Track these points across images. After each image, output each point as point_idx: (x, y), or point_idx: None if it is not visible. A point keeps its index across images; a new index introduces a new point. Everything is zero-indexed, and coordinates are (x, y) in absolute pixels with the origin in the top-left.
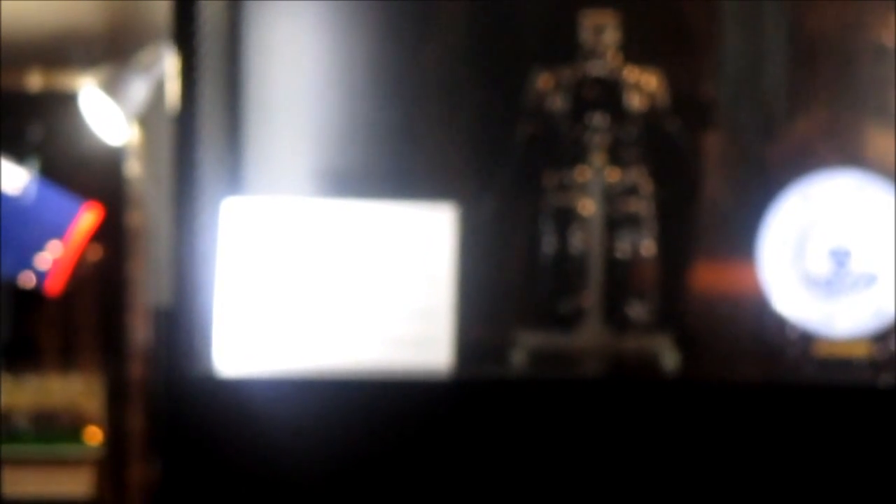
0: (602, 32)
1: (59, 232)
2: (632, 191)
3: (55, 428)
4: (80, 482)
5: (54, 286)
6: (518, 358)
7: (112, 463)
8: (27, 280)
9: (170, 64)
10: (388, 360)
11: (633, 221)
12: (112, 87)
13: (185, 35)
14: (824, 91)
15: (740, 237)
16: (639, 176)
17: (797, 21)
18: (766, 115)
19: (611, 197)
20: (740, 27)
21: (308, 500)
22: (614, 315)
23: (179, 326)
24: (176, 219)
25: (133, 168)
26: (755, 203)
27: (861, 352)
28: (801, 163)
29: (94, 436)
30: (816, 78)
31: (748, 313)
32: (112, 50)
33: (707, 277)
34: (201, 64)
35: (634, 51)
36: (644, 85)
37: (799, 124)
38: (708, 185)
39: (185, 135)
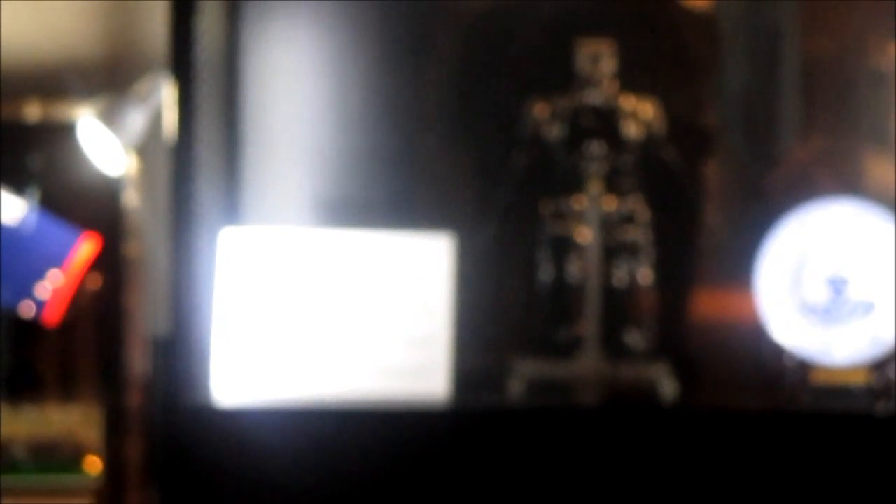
0: (598, 61)
1: (57, 262)
2: (629, 219)
3: (54, 458)
4: None
5: (53, 316)
6: (515, 386)
7: (110, 492)
8: (26, 310)
9: (167, 94)
10: (386, 390)
11: (630, 249)
12: (110, 118)
13: (182, 65)
14: (822, 118)
15: (738, 265)
16: (636, 204)
17: (795, 48)
18: (763, 143)
19: (608, 225)
20: (738, 55)
21: None
22: (612, 343)
23: (177, 356)
24: (174, 249)
25: (131, 198)
26: (753, 231)
27: (859, 380)
28: (799, 190)
29: (93, 465)
30: (815, 105)
31: (746, 341)
32: (110, 80)
33: (704, 305)
34: (198, 94)
35: (631, 79)
36: (640, 113)
37: (797, 152)
38: (705, 212)
39: (182, 165)
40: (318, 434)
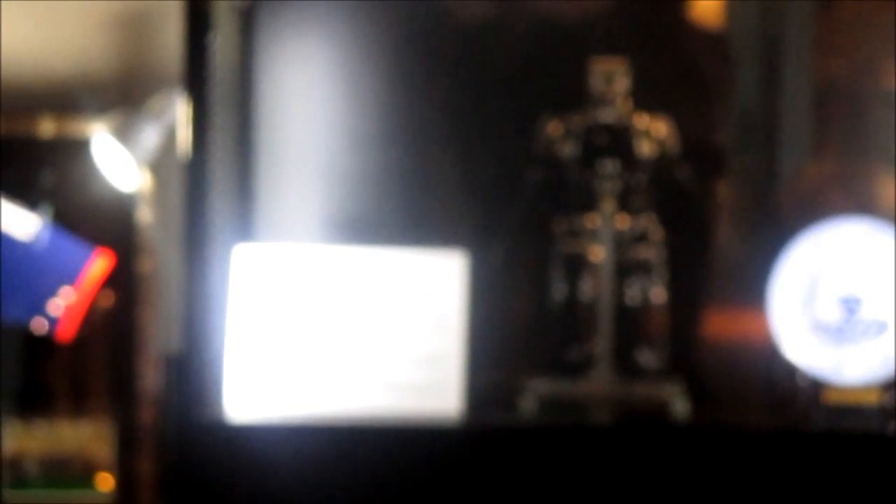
0: (612, 79)
1: (70, 278)
2: (642, 237)
3: (65, 474)
4: None
5: (65, 332)
6: (527, 405)
7: None
8: (38, 326)
9: (181, 110)
10: (398, 407)
11: (643, 268)
12: (123, 134)
13: (196, 82)
14: (835, 138)
15: (750, 284)
16: (649, 222)
17: (807, 67)
18: (776, 162)
19: (621, 243)
20: (750, 74)
21: None
22: (624, 362)
23: (189, 372)
24: (186, 265)
25: (144, 215)
26: (765, 250)
27: (871, 399)
28: (812, 210)
29: (105, 482)
30: (827, 125)
31: (758, 360)
32: (123, 97)
33: (717, 324)
34: (212, 110)
35: (644, 98)
36: (654, 131)
37: (810, 171)
38: (718, 231)
39: (195, 181)
40: (330, 451)
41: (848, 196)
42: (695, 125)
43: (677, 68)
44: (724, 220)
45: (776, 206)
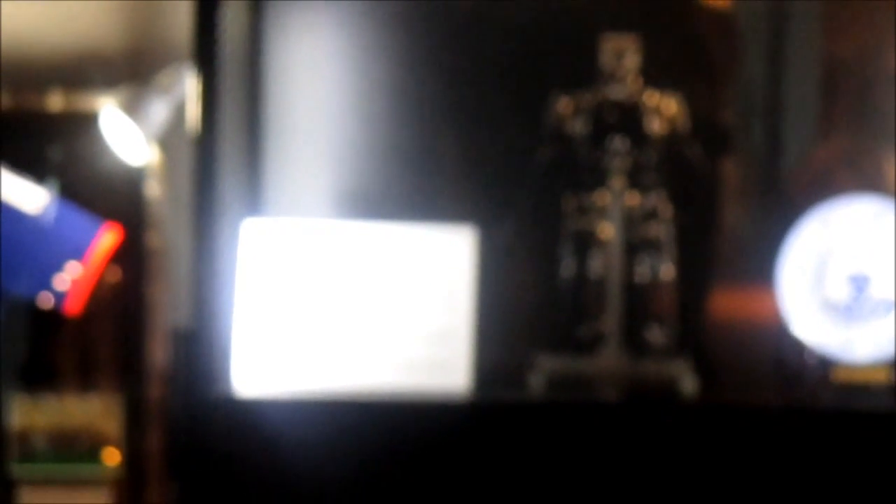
0: (622, 57)
1: (78, 253)
2: (651, 215)
3: (73, 448)
4: (98, 503)
5: (73, 307)
6: (536, 381)
7: (130, 483)
8: (46, 301)
9: (190, 85)
10: (406, 383)
11: (652, 246)
12: (132, 109)
13: (205, 56)
14: (844, 117)
15: (760, 262)
16: (658, 200)
17: (817, 47)
18: (785, 141)
19: (630, 221)
20: (760, 53)
21: None
22: (633, 339)
23: (198, 347)
24: (195, 240)
25: (153, 189)
26: (774, 228)
27: (880, 377)
28: (821, 188)
29: (112, 457)
30: (836, 104)
31: (767, 338)
32: (132, 71)
33: (726, 302)
34: (222, 86)
35: (655, 75)
36: (664, 109)
37: (818, 150)
38: (727, 210)
39: (205, 156)
40: (337, 426)
41: (856, 175)
42: (704, 103)
43: (687, 46)
44: (733, 198)
45: (785, 185)
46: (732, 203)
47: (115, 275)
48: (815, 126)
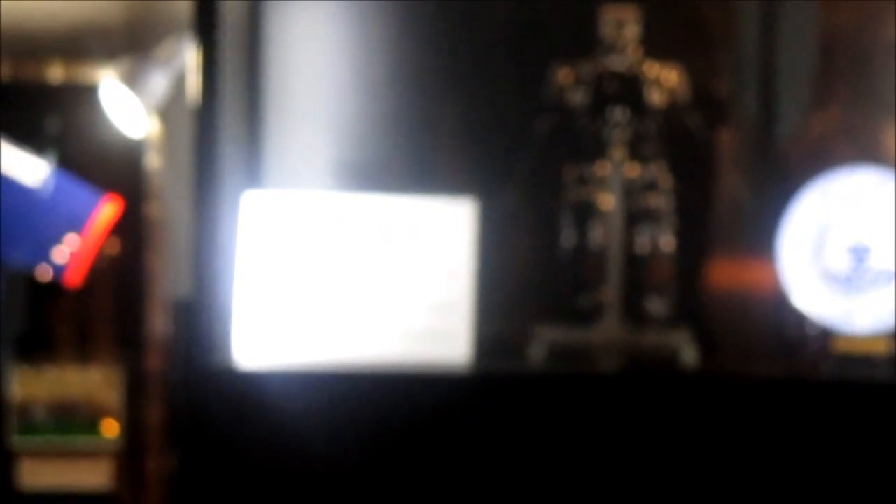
0: (623, 27)
1: (78, 224)
2: (651, 186)
3: (73, 420)
4: (98, 474)
5: (73, 278)
6: (536, 352)
7: (130, 455)
8: (45, 272)
9: (190, 57)
10: (407, 354)
11: (652, 217)
12: (132, 80)
13: (205, 28)
14: (843, 88)
15: (760, 233)
16: (658, 171)
17: (816, 17)
18: (784, 112)
19: (630, 192)
20: (759, 24)
21: (324, 492)
22: (633, 310)
23: (198, 318)
24: (195, 211)
25: (153, 161)
26: (774, 199)
27: (880, 348)
28: (820, 159)
29: (111, 428)
30: (835, 74)
31: (767, 309)
32: (132, 42)
33: (726, 273)
34: (222, 57)
35: (655, 46)
36: (664, 80)
37: (817, 121)
38: (727, 181)
39: (205, 128)
40: (338, 397)
41: (856, 145)
42: (704, 74)
43: (687, 17)
44: (733, 169)
45: (784, 155)
46: (733, 174)
47: (115, 246)
48: (813, 96)
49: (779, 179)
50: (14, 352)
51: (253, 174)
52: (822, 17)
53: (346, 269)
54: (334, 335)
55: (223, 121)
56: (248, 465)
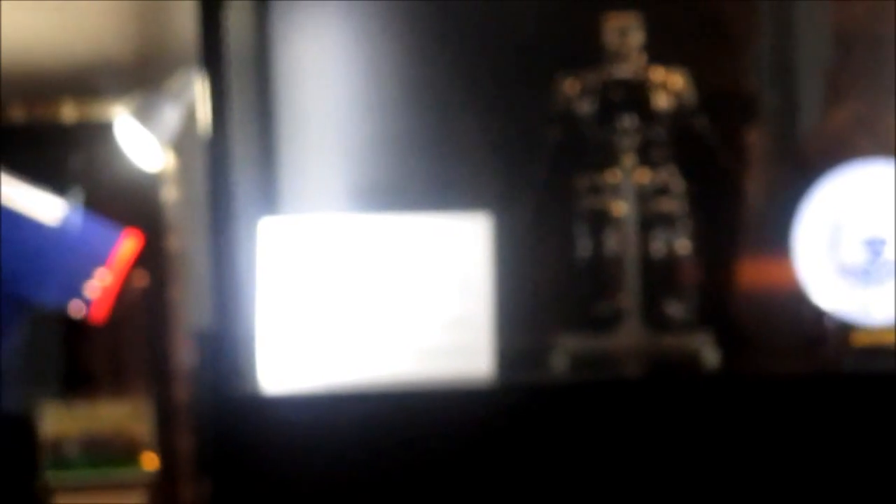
0: (626, 34)
1: (101, 260)
2: (663, 190)
3: (106, 454)
4: None
5: (98, 314)
6: (558, 362)
7: (163, 484)
8: (71, 309)
9: (199, 88)
10: (429, 371)
11: (666, 221)
12: (144, 115)
13: (212, 59)
14: (856, 81)
15: (775, 230)
16: (670, 175)
17: (829, 10)
18: (797, 107)
19: (643, 197)
20: (771, 19)
21: None
22: (653, 315)
23: (221, 347)
24: (212, 241)
25: (169, 193)
26: (789, 196)
27: None
28: (834, 153)
29: (150, 461)
30: (849, 68)
31: (786, 306)
32: (142, 78)
33: (743, 272)
34: (231, 86)
35: (660, 50)
36: (670, 84)
37: (832, 115)
38: (740, 180)
39: (217, 158)
40: (363, 418)
41: (869, 138)
42: (713, 74)
43: (693, 18)
44: (745, 168)
45: (798, 152)
46: (745, 173)
47: (138, 280)
48: (826, 92)
49: (795, 175)
50: (45, 388)
51: (268, 201)
52: (836, 9)
53: (365, 289)
54: (356, 356)
55: (236, 150)
56: (279, 489)
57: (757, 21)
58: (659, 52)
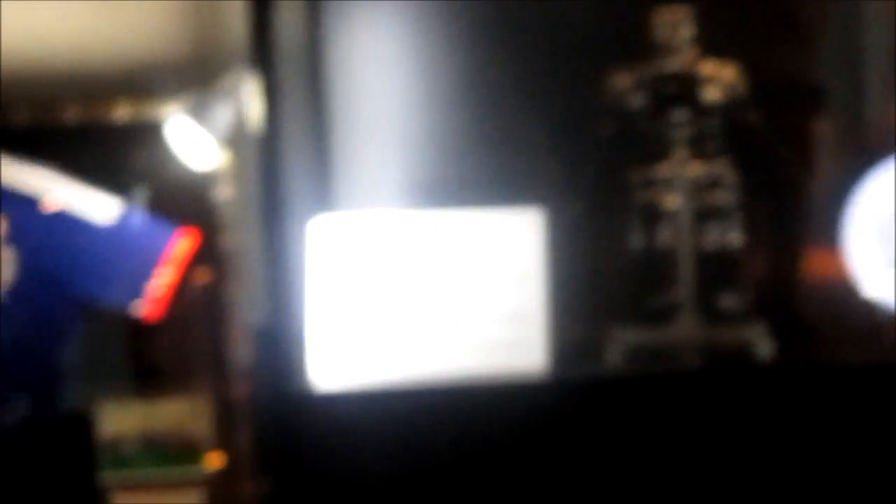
0: (676, 28)
1: (159, 259)
2: (716, 183)
3: (165, 452)
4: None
5: (155, 312)
6: (613, 355)
7: (223, 482)
8: (131, 308)
9: (252, 87)
10: (483, 366)
11: (719, 213)
12: (198, 114)
13: (264, 57)
14: None
15: (827, 222)
16: (722, 167)
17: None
18: (850, 100)
19: (696, 190)
20: (834, 10)
21: None
22: (707, 307)
23: (277, 345)
24: (266, 238)
25: (224, 192)
26: (841, 188)
27: None
28: (885, 146)
29: (212, 460)
30: None
31: (838, 297)
32: (195, 77)
33: (797, 264)
34: (283, 83)
35: (711, 43)
36: (722, 77)
37: (882, 108)
38: (792, 172)
39: (270, 155)
40: (418, 413)
41: None
42: (765, 67)
43: (749, 9)
44: (797, 160)
45: (850, 144)
46: (797, 165)
47: (199, 277)
48: (879, 85)
49: (846, 167)
50: (103, 388)
51: (322, 197)
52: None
53: (419, 285)
54: (411, 352)
55: (289, 146)
56: (337, 486)
57: (820, 12)
58: (710, 44)
